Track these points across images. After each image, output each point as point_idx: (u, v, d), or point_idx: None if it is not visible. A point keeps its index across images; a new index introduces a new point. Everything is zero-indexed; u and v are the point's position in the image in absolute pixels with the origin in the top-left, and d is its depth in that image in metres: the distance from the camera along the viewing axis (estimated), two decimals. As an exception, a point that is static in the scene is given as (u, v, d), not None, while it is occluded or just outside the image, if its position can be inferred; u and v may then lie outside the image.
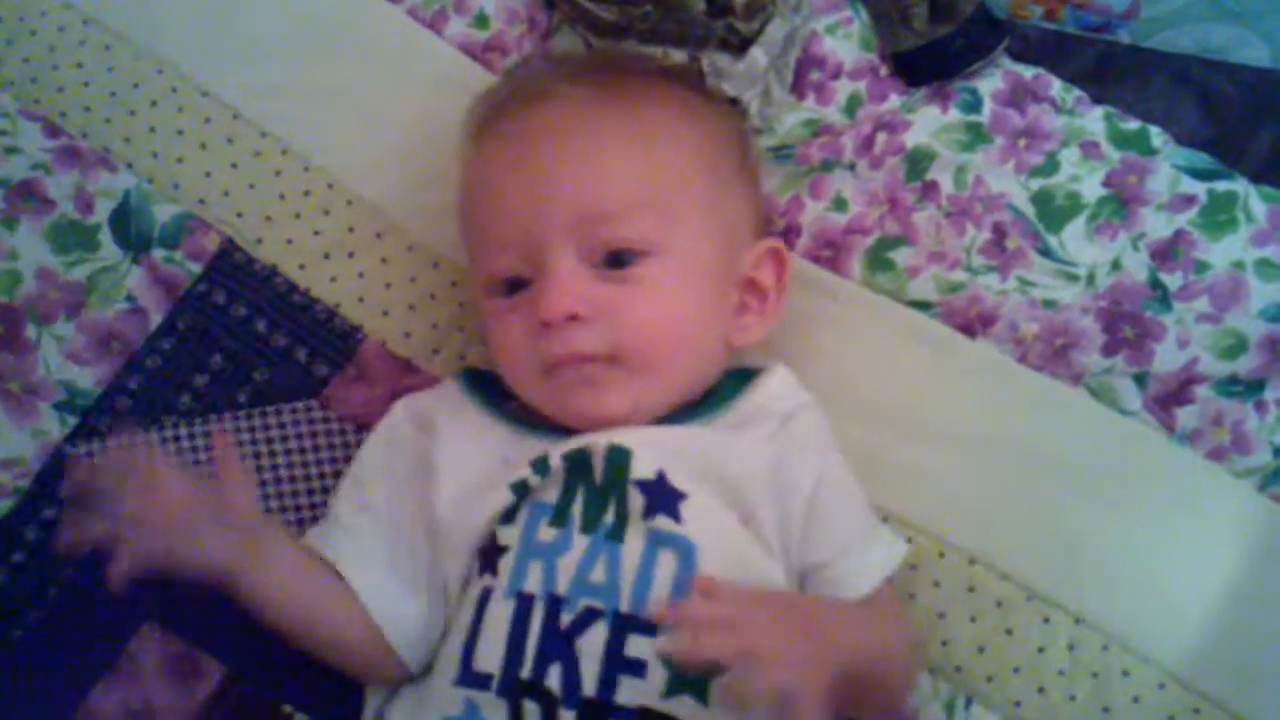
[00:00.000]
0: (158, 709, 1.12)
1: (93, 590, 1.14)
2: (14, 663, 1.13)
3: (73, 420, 1.19)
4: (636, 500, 1.02)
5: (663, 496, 1.02)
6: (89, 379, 1.20)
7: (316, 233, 1.25)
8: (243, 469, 1.06)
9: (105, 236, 1.23)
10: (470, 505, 1.06)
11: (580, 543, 1.02)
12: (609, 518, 1.03)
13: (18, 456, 1.18)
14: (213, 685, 1.13)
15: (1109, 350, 1.19)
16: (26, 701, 1.12)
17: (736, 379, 1.12)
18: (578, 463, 1.04)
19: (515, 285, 1.08)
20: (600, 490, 1.03)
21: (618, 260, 1.05)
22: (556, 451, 1.05)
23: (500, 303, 1.08)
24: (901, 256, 1.23)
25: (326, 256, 1.25)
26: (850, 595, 1.06)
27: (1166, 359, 1.18)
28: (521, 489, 1.04)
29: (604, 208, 1.05)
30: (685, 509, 1.02)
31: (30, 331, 1.20)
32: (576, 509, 1.03)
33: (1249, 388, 1.17)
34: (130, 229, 1.24)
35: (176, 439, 1.19)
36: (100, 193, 1.25)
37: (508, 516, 1.04)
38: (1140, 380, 1.18)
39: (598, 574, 1.01)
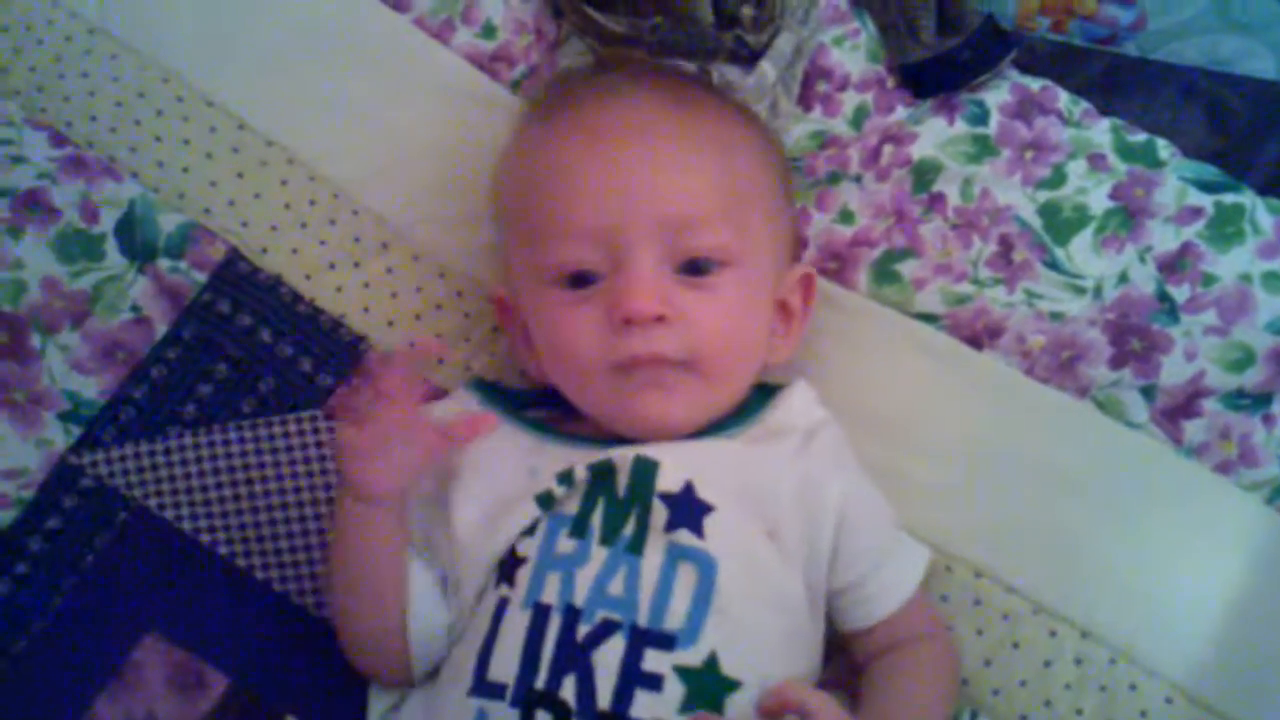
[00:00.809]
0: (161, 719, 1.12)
1: (96, 601, 1.15)
2: (17, 673, 1.13)
3: (77, 430, 1.19)
4: (660, 513, 1.02)
5: (687, 510, 1.03)
6: (94, 389, 1.20)
7: (322, 242, 1.25)
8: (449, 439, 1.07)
9: (110, 246, 1.23)
10: (494, 526, 1.05)
11: (599, 554, 1.02)
12: (629, 529, 1.03)
13: (21, 467, 1.17)
14: (216, 696, 1.13)
15: (1116, 363, 1.19)
16: (30, 712, 1.12)
17: (759, 393, 1.13)
18: (602, 474, 1.04)
19: (581, 278, 1.06)
20: (622, 502, 1.03)
21: (695, 267, 1.05)
22: (582, 463, 1.04)
23: (563, 294, 1.07)
24: (908, 269, 1.23)
25: (332, 266, 1.25)
26: (884, 612, 1.07)
27: (1174, 372, 1.18)
28: (546, 501, 1.04)
29: (693, 213, 1.05)
30: (709, 523, 1.02)
31: (35, 341, 1.20)
32: (596, 520, 1.03)
33: (1256, 401, 1.17)
34: (135, 238, 1.24)
35: (181, 449, 1.19)
36: (105, 202, 1.24)
37: (527, 527, 1.04)
38: (1147, 393, 1.18)
39: (616, 586, 1.01)
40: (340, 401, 1.13)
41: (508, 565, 1.04)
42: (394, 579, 1.06)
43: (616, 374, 1.05)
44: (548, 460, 1.07)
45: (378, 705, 1.10)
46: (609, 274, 1.05)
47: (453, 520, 1.07)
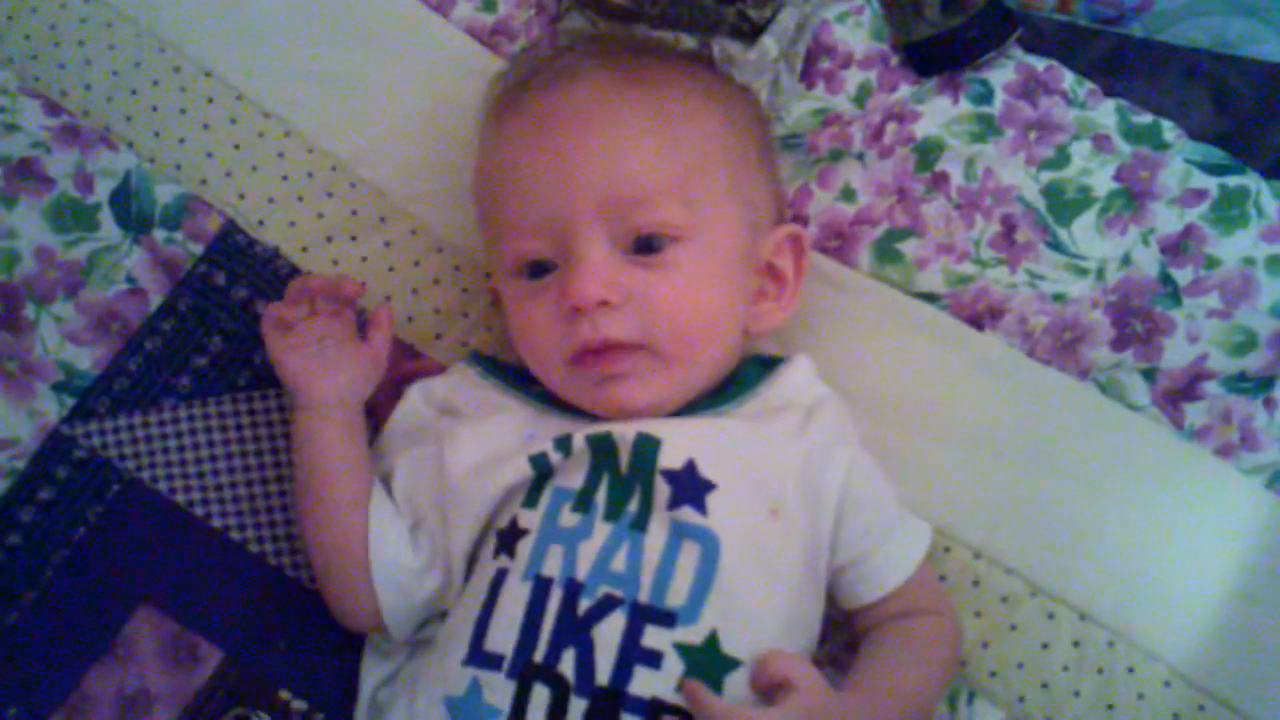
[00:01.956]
0: (153, 693, 1.11)
1: (89, 573, 1.14)
2: (8, 646, 1.12)
3: (70, 401, 1.18)
4: (663, 490, 1.02)
5: (690, 487, 1.02)
6: (87, 359, 1.19)
7: (320, 215, 1.24)
8: (385, 346, 1.15)
9: (105, 216, 1.22)
10: (487, 473, 1.05)
11: (602, 530, 1.02)
12: (633, 506, 1.02)
13: (14, 437, 1.17)
14: (209, 669, 1.12)
15: (1118, 345, 1.18)
16: (21, 685, 1.11)
17: (758, 367, 1.12)
18: (603, 448, 1.04)
19: (539, 268, 1.07)
20: (626, 478, 1.03)
21: (647, 245, 1.05)
22: (581, 433, 1.04)
23: (524, 285, 1.08)
24: (910, 248, 1.22)
25: (329, 239, 1.24)
26: (888, 587, 1.07)
27: (1176, 354, 1.18)
28: (541, 463, 1.04)
29: (634, 193, 1.04)
30: (712, 500, 1.02)
31: (29, 311, 1.19)
32: (600, 496, 1.03)
33: (1258, 384, 1.16)
34: (131, 209, 1.23)
35: (175, 421, 1.18)
36: (101, 172, 1.23)
37: (530, 500, 1.04)
38: (1149, 375, 1.17)
39: (618, 563, 1.00)
40: (272, 313, 1.15)
41: (508, 536, 1.04)
42: (351, 495, 1.09)
43: (575, 364, 1.05)
44: (546, 428, 1.07)
45: (370, 680, 1.10)
46: (561, 263, 1.05)
47: (445, 463, 1.07)
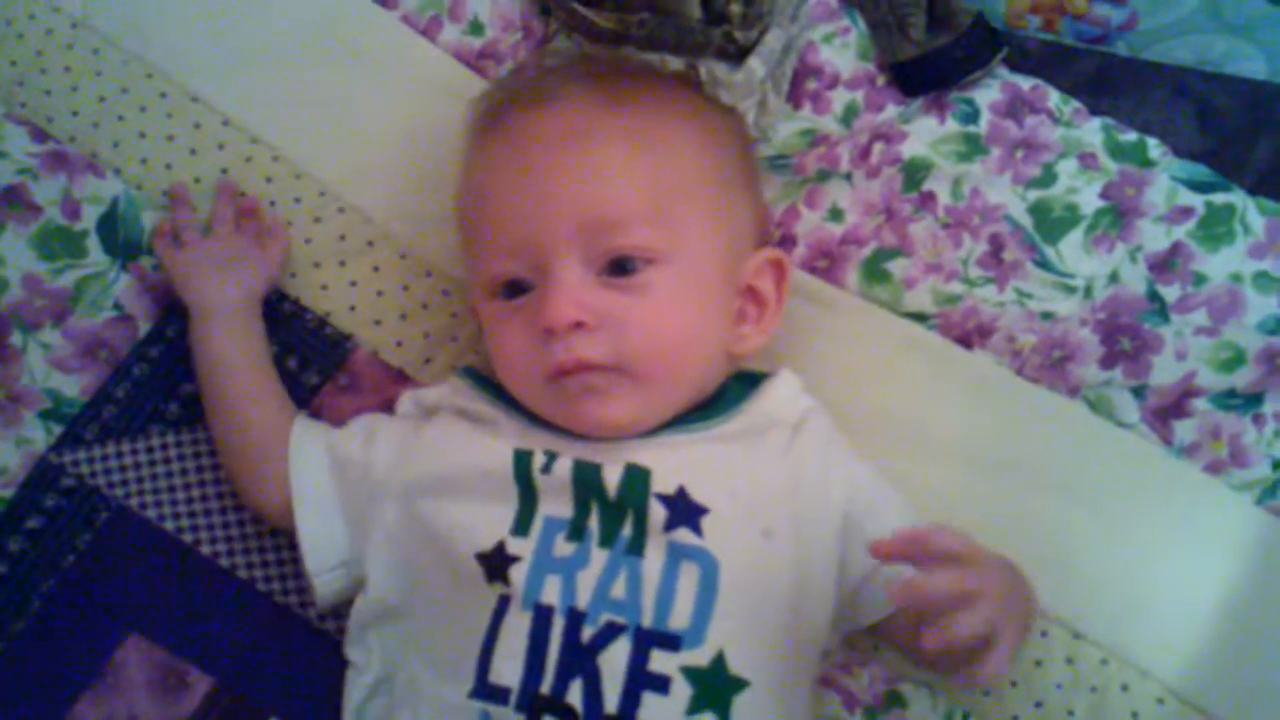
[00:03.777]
0: (143, 721, 1.11)
1: (78, 601, 1.14)
2: (-2, 675, 1.12)
3: (58, 429, 1.18)
4: (658, 514, 1.02)
5: (684, 511, 1.02)
6: (75, 387, 1.19)
7: (307, 240, 1.24)
8: (281, 253, 1.22)
9: (93, 243, 1.22)
10: (466, 448, 1.08)
11: (599, 557, 1.01)
12: (627, 531, 1.02)
13: (1, 465, 1.17)
14: (199, 696, 1.12)
15: (1107, 363, 1.18)
16: (9, 715, 1.11)
17: (742, 383, 1.12)
18: (588, 478, 1.03)
19: (516, 288, 1.06)
20: (616, 504, 1.02)
21: (621, 268, 1.04)
22: (570, 454, 1.04)
23: (501, 306, 1.08)
24: (898, 267, 1.22)
25: (317, 265, 1.24)
26: None
27: (1164, 372, 1.18)
28: (523, 461, 1.04)
29: (609, 216, 1.04)
30: (706, 523, 1.02)
31: (16, 339, 1.19)
32: (593, 523, 1.02)
33: (1247, 401, 1.17)
34: (118, 235, 1.23)
35: (164, 448, 1.18)
36: (88, 199, 1.23)
37: (519, 528, 1.03)
38: (1138, 393, 1.18)
39: (618, 589, 1.00)
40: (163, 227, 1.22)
41: (495, 560, 1.02)
42: (255, 387, 1.16)
43: (551, 383, 1.05)
44: (533, 442, 1.06)
45: (354, 695, 1.08)
46: (537, 284, 1.05)
47: (422, 429, 1.11)
